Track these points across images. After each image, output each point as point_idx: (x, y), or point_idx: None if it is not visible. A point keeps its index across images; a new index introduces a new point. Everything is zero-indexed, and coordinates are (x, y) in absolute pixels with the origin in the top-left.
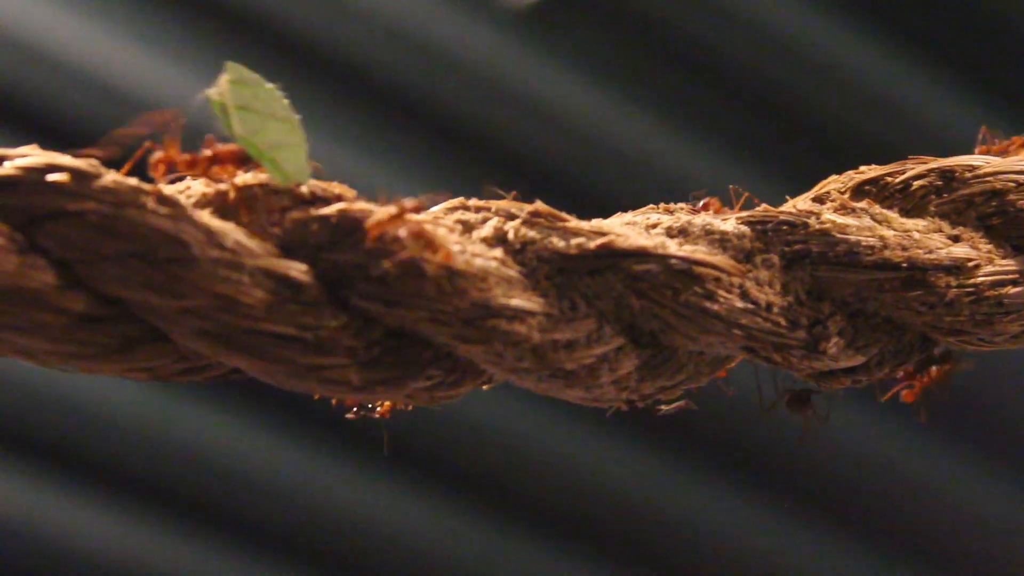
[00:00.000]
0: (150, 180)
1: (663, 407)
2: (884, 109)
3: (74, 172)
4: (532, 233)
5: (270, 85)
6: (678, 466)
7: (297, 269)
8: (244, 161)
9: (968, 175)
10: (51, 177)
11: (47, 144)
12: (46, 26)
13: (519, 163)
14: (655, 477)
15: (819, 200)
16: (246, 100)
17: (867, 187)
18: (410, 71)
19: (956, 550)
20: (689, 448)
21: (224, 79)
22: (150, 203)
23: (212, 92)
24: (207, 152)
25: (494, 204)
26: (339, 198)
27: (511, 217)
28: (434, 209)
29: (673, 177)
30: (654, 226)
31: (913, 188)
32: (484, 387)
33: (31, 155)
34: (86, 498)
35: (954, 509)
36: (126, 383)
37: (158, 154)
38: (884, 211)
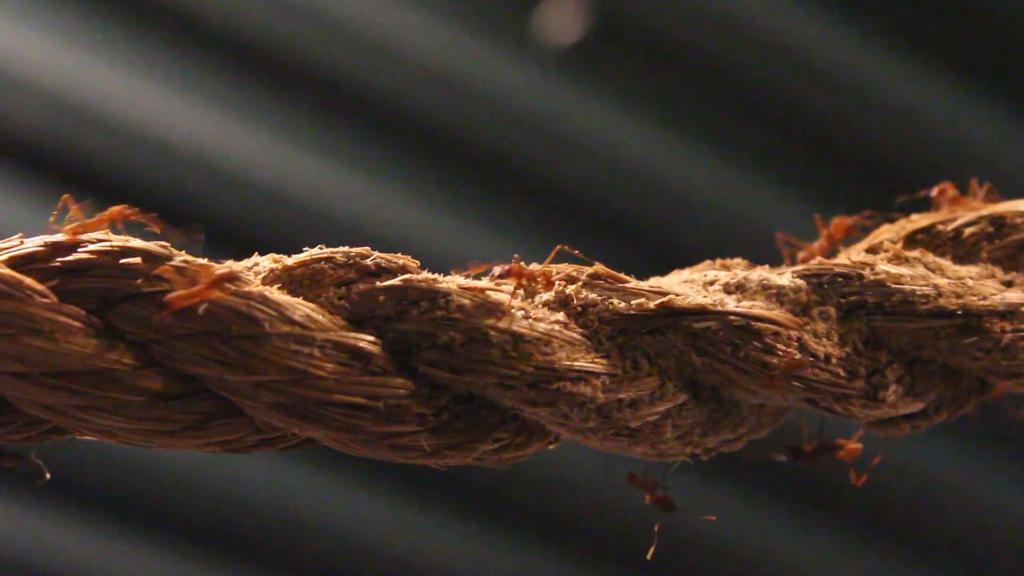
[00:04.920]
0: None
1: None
2: (946, 149)
3: (146, 255)
4: (593, 295)
5: None
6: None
7: (366, 340)
8: None
9: (1019, 220)
10: (124, 260)
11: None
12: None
13: (566, 200)
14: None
15: (872, 251)
16: None
17: (919, 236)
18: (455, 113)
19: (981, 552)
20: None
21: None
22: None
23: None
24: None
25: (555, 268)
26: (404, 269)
27: (572, 280)
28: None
29: (721, 210)
30: (711, 283)
31: (965, 235)
32: (551, 447)
33: (104, 239)
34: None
35: (979, 510)
36: None
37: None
38: (937, 259)
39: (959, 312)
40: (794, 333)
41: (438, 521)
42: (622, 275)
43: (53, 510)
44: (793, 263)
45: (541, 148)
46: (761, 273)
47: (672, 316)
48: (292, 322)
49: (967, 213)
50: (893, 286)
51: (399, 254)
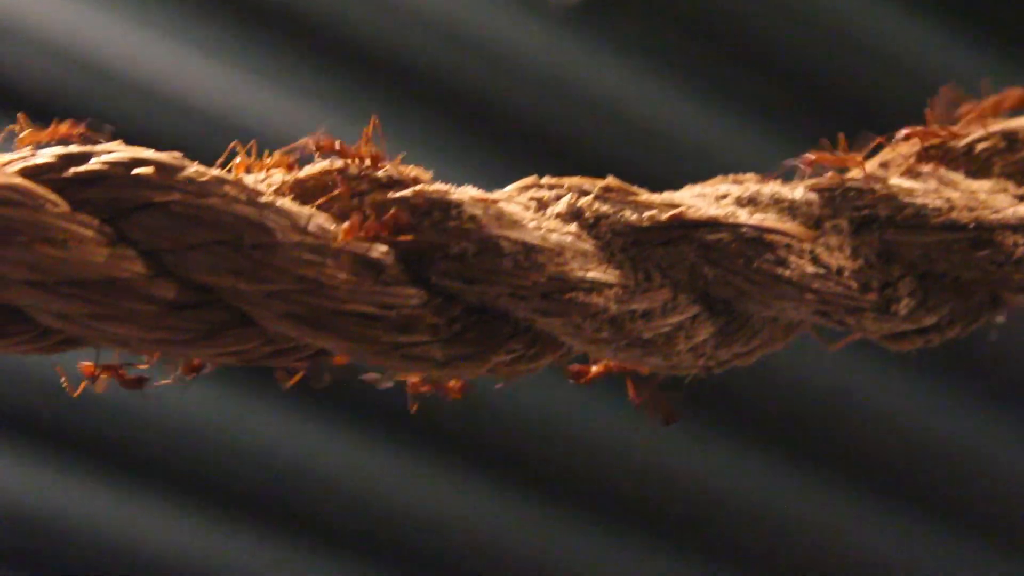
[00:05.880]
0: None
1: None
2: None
3: (158, 165)
4: (605, 207)
5: None
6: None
7: (378, 250)
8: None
9: None
10: (137, 171)
11: None
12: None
13: (573, 156)
14: (715, 461)
15: (885, 165)
16: None
17: (932, 151)
18: (465, 70)
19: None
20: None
21: None
22: (232, 192)
23: None
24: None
25: (567, 181)
26: (416, 180)
27: (584, 193)
28: (508, 188)
29: (729, 164)
30: (723, 196)
31: (977, 151)
32: (562, 360)
33: (116, 150)
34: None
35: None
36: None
37: None
38: (950, 173)
39: (971, 225)
40: (806, 246)
41: (446, 476)
42: (634, 188)
43: (76, 471)
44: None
45: (548, 103)
46: (773, 187)
47: (684, 228)
48: (304, 231)
49: (980, 128)
50: (905, 199)
51: (411, 166)
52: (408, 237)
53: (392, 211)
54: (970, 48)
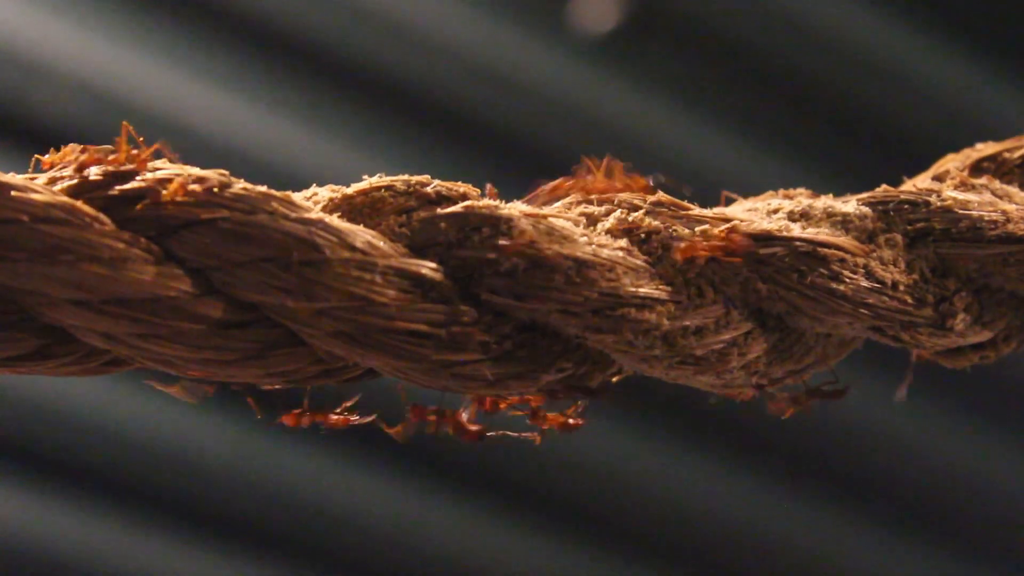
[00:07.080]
0: None
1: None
2: (961, 121)
3: (205, 182)
4: (656, 222)
5: None
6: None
7: (428, 267)
8: None
9: None
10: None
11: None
12: (39, 33)
13: None
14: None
15: (938, 178)
16: None
17: (985, 164)
18: (492, 101)
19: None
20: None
21: None
22: (281, 208)
23: None
24: None
25: (617, 196)
26: (464, 196)
27: (634, 208)
28: (558, 204)
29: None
30: (776, 211)
31: None
32: (613, 379)
33: (162, 168)
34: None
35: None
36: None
37: None
38: (1004, 186)
39: None
40: (860, 260)
41: (460, 509)
42: (684, 203)
43: (87, 505)
44: None
45: (577, 137)
46: (826, 201)
47: None
48: (353, 248)
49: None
50: (960, 212)
51: (459, 182)
52: (737, 259)
53: (731, 235)
54: (992, 76)
